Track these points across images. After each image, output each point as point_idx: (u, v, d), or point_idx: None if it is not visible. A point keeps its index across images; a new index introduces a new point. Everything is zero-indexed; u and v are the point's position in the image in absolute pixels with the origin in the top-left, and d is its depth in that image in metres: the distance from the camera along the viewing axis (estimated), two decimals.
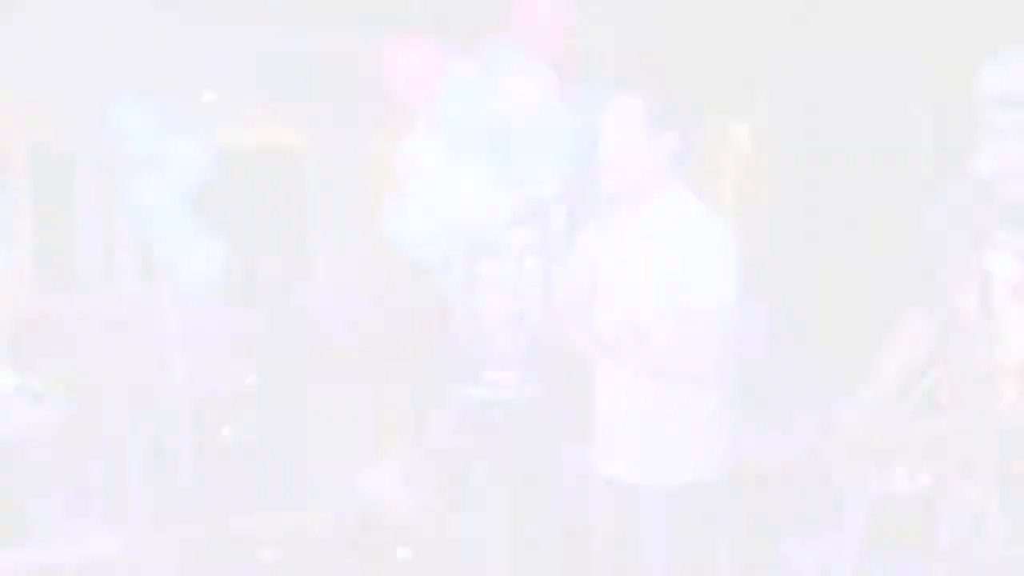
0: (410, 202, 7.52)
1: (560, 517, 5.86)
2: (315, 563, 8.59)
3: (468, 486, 5.81)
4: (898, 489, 3.33)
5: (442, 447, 6.30)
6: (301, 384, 21.17)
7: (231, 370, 20.55)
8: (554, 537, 5.27)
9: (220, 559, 5.89)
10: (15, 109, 23.71)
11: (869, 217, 30.28)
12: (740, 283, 3.71)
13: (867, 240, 29.82)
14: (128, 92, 7.29)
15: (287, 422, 16.90)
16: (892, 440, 3.36)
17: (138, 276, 22.60)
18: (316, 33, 24.22)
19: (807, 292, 25.57)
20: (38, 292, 23.73)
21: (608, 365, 3.72)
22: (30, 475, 10.03)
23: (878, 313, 3.92)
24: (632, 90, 3.67)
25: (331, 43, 24.01)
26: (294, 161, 26.10)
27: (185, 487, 7.60)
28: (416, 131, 7.75)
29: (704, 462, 3.63)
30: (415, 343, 21.49)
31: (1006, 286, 3.35)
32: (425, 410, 6.75)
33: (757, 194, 27.16)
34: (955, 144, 3.67)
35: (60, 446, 12.23)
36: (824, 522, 5.59)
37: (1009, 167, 3.32)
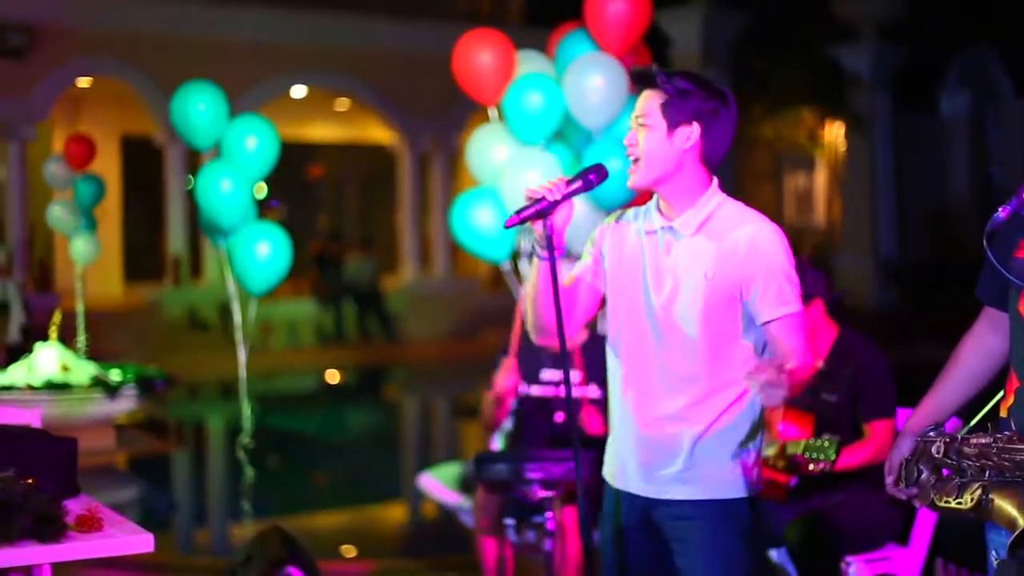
0: (478, 197, 7.44)
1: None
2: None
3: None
4: (956, 504, 3.17)
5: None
6: (383, 381, 21.49)
7: (313, 366, 20.89)
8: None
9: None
10: (107, 103, 24.19)
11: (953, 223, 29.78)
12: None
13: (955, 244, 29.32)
14: (193, 83, 7.24)
15: (364, 420, 17.08)
16: (950, 453, 3.21)
17: (223, 269, 22.92)
18: (409, 29, 24.54)
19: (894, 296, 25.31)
20: (126, 284, 24.24)
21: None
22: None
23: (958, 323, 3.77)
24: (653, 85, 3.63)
25: (423, 40, 24.34)
26: (386, 155, 26.44)
27: (253, 482, 7.57)
28: (485, 126, 7.67)
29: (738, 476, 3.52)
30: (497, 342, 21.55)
31: None
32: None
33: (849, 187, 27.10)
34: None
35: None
36: (888, 537, 5.45)
37: None
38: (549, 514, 5.46)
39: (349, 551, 8.54)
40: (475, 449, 12.79)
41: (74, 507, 4.15)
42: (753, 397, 3.54)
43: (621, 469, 3.70)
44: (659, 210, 3.64)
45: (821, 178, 27.96)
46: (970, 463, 3.14)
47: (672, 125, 3.55)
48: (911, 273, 26.98)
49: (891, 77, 26.94)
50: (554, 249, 3.53)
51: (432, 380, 19.60)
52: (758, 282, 3.51)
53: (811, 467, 4.70)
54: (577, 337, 5.84)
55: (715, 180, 3.62)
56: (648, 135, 3.56)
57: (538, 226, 3.54)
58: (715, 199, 3.59)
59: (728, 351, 3.55)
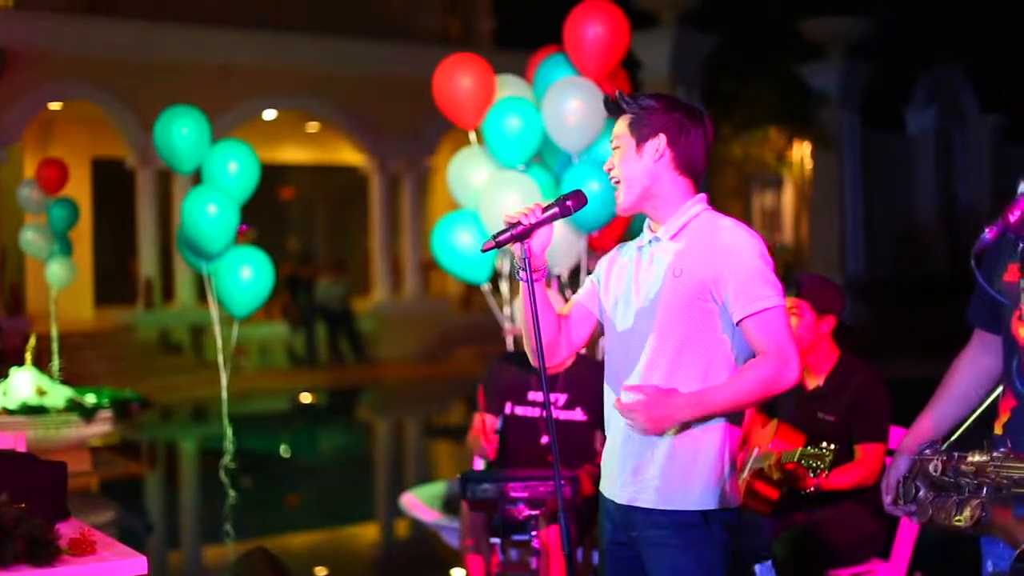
0: (459, 220, 7.50)
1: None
2: None
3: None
4: (956, 522, 3.22)
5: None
6: (356, 402, 21.48)
7: (286, 388, 20.88)
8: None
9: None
10: (78, 126, 24.17)
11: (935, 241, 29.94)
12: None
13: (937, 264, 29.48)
14: (176, 108, 7.27)
15: (339, 440, 17.07)
16: (947, 471, 3.26)
17: (195, 292, 23.00)
18: (379, 51, 24.61)
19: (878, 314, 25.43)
20: (96, 307, 24.18)
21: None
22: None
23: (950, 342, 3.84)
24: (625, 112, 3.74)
25: (393, 62, 24.41)
26: (357, 177, 26.47)
27: (234, 503, 7.58)
28: (466, 149, 7.73)
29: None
30: (468, 362, 21.62)
31: None
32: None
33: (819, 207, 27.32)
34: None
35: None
36: (871, 552, 5.50)
37: None
38: (534, 532, 5.52)
39: (330, 572, 8.56)
40: (449, 469, 12.85)
41: (66, 530, 4.17)
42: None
43: (607, 474, 3.77)
44: (649, 228, 3.73)
45: (789, 197, 28.11)
46: (967, 480, 3.20)
47: (640, 141, 3.64)
48: (879, 289, 27.13)
49: (858, 95, 27.13)
50: (531, 272, 3.58)
51: (404, 401, 19.62)
52: (729, 282, 3.54)
53: (810, 475, 4.75)
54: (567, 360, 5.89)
55: (701, 194, 3.70)
56: (621, 155, 3.67)
57: (516, 249, 3.59)
58: (696, 208, 3.66)
59: (701, 355, 3.59)
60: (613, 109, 3.71)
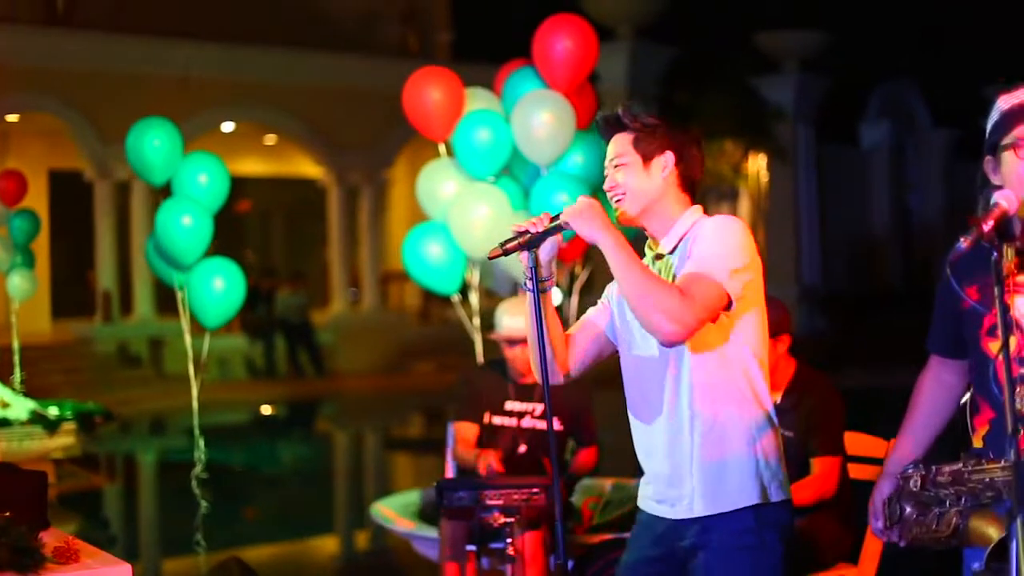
0: (429, 231, 7.55)
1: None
2: None
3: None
4: (935, 534, 3.29)
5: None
6: (315, 414, 21.47)
7: (245, 400, 20.83)
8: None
9: None
10: (35, 138, 24.05)
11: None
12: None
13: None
14: (148, 120, 7.30)
15: (299, 452, 17.06)
16: (927, 485, 3.32)
17: (153, 304, 22.94)
18: (337, 64, 24.64)
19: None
20: (53, 319, 24.05)
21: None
22: None
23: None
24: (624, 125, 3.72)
25: (351, 75, 24.45)
26: (315, 189, 26.47)
27: (198, 515, 7.58)
28: (435, 161, 7.79)
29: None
30: (427, 375, 21.66)
31: None
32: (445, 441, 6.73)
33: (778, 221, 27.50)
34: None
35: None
36: (839, 558, 5.58)
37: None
38: (509, 540, 5.57)
39: None
40: (409, 480, 12.88)
41: (48, 539, 4.19)
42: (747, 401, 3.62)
43: (646, 494, 3.77)
44: (649, 247, 3.72)
45: (745, 209, 28.30)
46: (946, 492, 3.27)
47: (647, 158, 3.65)
48: (834, 301, 27.35)
49: (813, 109, 27.36)
50: (538, 282, 3.60)
51: (363, 413, 19.61)
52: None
53: None
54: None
55: (697, 205, 3.71)
56: (627, 172, 3.66)
57: (524, 259, 3.58)
58: (693, 218, 3.65)
59: (729, 365, 3.61)
60: (611, 126, 3.71)
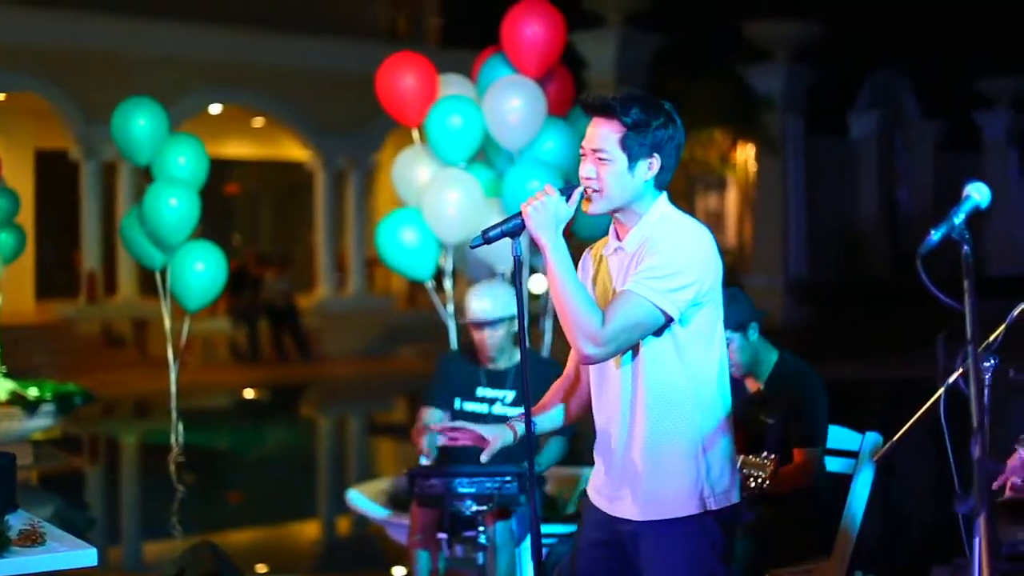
0: (403, 217, 7.53)
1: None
2: None
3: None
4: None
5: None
6: (298, 399, 21.43)
7: (228, 383, 20.79)
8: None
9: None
10: (21, 117, 23.96)
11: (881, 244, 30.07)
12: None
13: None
14: (134, 99, 7.28)
15: (282, 436, 17.03)
16: None
17: (138, 285, 22.88)
18: (326, 47, 24.58)
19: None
20: (39, 300, 23.98)
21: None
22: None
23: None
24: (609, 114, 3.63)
25: (340, 58, 24.39)
26: (302, 173, 26.43)
27: (178, 499, 7.56)
28: (410, 147, 7.78)
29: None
30: (412, 359, 21.63)
31: None
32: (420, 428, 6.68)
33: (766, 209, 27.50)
34: None
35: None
36: (813, 550, 5.57)
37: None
38: (480, 528, 5.56)
39: (271, 567, 8.56)
40: (392, 466, 12.86)
41: (15, 522, 4.16)
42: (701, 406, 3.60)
43: (595, 486, 3.77)
44: (615, 233, 3.69)
45: (732, 199, 28.30)
46: None
47: (632, 159, 3.57)
48: (820, 291, 27.35)
49: (802, 99, 27.34)
50: (521, 268, 3.57)
51: (348, 397, 19.59)
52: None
53: (750, 483, 4.77)
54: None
55: (663, 195, 3.66)
56: (608, 169, 3.57)
57: (511, 247, 3.54)
58: (658, 212, 3.61)
59: (669, 369, 3.58)
60: (598, 111, 3.61)
